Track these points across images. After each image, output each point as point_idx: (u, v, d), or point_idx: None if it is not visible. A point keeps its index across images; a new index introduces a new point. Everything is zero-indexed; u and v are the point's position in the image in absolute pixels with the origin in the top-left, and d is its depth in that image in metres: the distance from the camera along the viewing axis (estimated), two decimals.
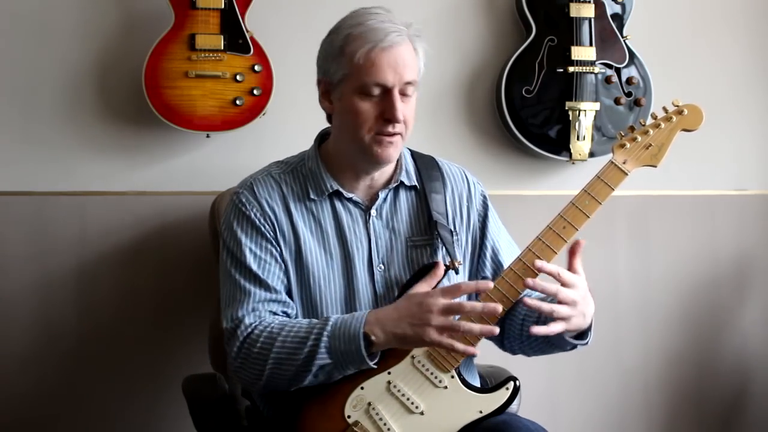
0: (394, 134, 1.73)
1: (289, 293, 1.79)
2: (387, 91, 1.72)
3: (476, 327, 1.61)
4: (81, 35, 2.40)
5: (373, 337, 1.63)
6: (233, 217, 1.81)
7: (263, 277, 1.76)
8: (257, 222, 1.78)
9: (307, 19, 2.50)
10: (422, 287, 1.70)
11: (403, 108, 1.73)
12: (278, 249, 1.78)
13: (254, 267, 1.76)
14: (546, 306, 1.64)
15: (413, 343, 1.64)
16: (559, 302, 1.65)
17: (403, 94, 1.73)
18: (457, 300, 1.63)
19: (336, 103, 1.78)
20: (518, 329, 1.82)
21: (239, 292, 1.76)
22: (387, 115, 1.71)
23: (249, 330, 1.71)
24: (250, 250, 1.77)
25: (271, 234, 1.78)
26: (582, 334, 1.78)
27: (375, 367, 1.66)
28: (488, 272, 1.90)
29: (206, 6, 2.32)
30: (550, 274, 1.67)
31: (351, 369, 1.67)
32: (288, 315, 1.77)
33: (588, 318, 1.73)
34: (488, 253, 1.90)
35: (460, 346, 1.62)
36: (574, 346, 1.81)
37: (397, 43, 1.71)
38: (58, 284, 2.39)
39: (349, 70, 1.72)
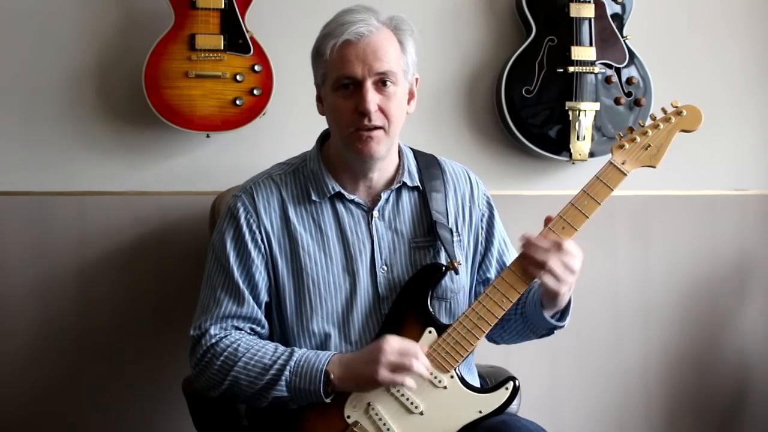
0: (372, 128, 1.72)
1: (280, 304, 1.79)
2: (359, 84, 1.71)
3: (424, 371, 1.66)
4: (81, 35, 2.41)
5: (332, 375, 1.66)
6: (226, 223, 1.81)
7: (240, 290, 1.76)
8: (248, 232, 1.78)
9: (307, 19, 2.48)
10: (396, 339, 1.67)
11: (381, 101, 1.72)
12: (266, 263, 1.78)
13: (233, 278, 1.77)
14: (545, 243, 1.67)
15: (368, 381, 1.65)
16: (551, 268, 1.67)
17: (380, 86, 1.72)
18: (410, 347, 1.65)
19: (324, 105, 1.79)
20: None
21: (212, 301, 1.78)
22: (360, 108, 1.71)
23: (212, 342, 1.74)
24: (233, 260, 1.78)
25: (262, 245, 1.78)
26: (560, 316, 1.79)
27: (329, 401, 1.68)
28: (493, 273, 1.90)
29: (206, 6, 2.32)
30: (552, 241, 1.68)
31: (305, 402, 1.69)
32: (256, 333, 1.78)
33: (567, 297, 1.75)
34: (494, 254, 1.91)
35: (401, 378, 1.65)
36: (551, 330, 1.83)
37: (364, 34, 1.70)
38: (58, 284, 2.39)
39: (325, 69, 1.75)
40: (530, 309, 1.80)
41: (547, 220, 1.72)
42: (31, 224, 2.38)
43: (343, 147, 1.77)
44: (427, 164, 1.89)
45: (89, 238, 2.41)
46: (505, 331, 1.89)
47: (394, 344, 1.64)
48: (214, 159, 2.46)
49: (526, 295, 1.81)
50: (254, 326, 1.78)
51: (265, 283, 1.79)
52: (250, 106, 2.35)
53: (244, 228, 1.78)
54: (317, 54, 1.76)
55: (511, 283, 1.71)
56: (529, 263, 1.69)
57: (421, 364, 1.65)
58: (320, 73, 1.77)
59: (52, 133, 2.40)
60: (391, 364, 1.63)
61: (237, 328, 1.76)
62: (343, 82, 1.71)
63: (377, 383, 1.64)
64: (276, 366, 1.68)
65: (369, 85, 1.70)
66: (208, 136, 2.38)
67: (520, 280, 1.71)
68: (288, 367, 1.67)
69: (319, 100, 1.82)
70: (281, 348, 1.72)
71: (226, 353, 1.71)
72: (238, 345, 1.72)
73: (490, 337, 1.95)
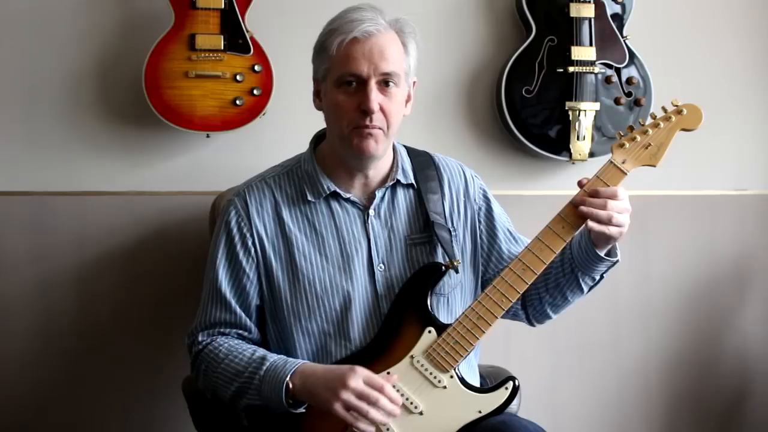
0: (372, 127, 1.73)
1: (276, 305, 1.80)
2: (363, 82, 1.72)
3: (378, 417, 1.61)
4: (81, 35, 2.41)
5: (291, 385, 1.65)
6: (219, 227, 1.84)
7: (224, 298, 1.79)
8: (238, 236, 1.80)
9: (307, 19, 2.48)
10: (362, 377, 1.62)
11: (383, 101, 1.72)
12: (258, 266, 1.80)
13: (219, 285, 1.80)
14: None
15: (322, 405, 1.63)
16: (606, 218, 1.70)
17: (383, 86, 1.73)
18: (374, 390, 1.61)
19: (323, 100, 1.80)
20: (542, 285, 1.84)
21: (201, 307, 1.83)
22: (362, 106, 1.71)
23: (199, 348, 1.80)
24: (221, 266, 1.80)
25: (253, 248, 1.80)
26: (609, 251, 1.79)
27: (301, 411, 1.67)
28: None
29: (206, 6, 2.32)
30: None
31: (281, 410, 1.68)
32: (243, 338, 1.81)
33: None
34: (503, 245, 1.90)
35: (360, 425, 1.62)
36: (602, 276, 1.81)
37: (372, 33, 1.71)
38: (58, 284, 2.39)
39: (328, 64, 1.75)
40: (581, 260, 1.77)
41: (580, 184, 1.74)
42: (31, 224, 2.38)
43: (340, 144, 1.77)
44: (422, 165, 1.89)
45: (89, 238, 2.41)
46: (558, 290, 1.84)
47: (358, 383, 1.60)
48: (214, 159, 2.46)
49: (569, 252, 1.80)
50: (241, 332, 1.81)
51: (255, 287, 1.80)
52: (250, 106, 2.35)
53: (235, 232, 1.80)
54: (321, 48, 1.76)
55: (512, 282, 1.71)
56: (594, 221, 1.69)
57: (379, 413, 1.60)
58: (322, 68, 1.77)
59: (52, 133, 2.40)
60: (348, 403, 1.60)
61: (222, 334, 1.80)
62: (347, 79, 1.72)
63: (332, 413, 1.61)
64: (246, 373, 1.70)
65: (373, 84, 1.71)
66: (208, 136, 2.38)
67: (520, 280, 1.71)
68: (257, 376, 1.69)
69: (317, 95, 1.82)
70: (258, 353, 1.73)
71: (209, 358, 1.76)
72: (219, 351, 1.76)
73: (536, 317, 1.93)
